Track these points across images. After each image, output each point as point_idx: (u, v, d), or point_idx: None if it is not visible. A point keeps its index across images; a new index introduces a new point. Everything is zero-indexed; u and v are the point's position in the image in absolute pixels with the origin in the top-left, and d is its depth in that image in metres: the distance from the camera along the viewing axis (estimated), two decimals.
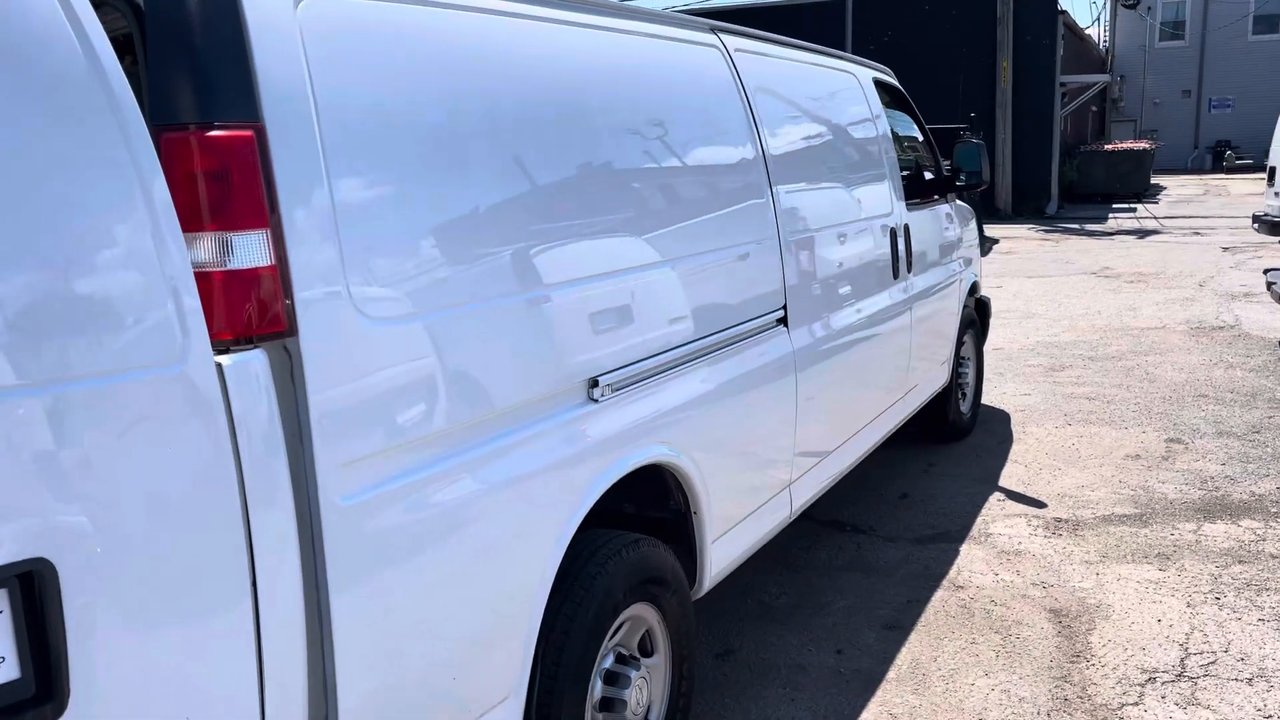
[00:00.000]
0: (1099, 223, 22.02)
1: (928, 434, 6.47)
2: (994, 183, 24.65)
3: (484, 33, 2.50)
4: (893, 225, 5.00)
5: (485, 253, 2.37)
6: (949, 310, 5.99)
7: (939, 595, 4.44)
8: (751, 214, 3.66)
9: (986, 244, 18.81)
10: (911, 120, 5.91)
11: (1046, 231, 21.04)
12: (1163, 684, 3.67)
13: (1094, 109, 37.20)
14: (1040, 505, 5.43)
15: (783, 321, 3.85)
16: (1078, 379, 8.06)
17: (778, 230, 3.80)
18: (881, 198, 4.94)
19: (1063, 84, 25.72)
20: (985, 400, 7.47)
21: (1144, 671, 3.76)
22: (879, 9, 25.06)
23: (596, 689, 2.86)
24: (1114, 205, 25.62)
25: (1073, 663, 3.85)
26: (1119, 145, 29.15)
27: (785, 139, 4.04)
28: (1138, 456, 6.14)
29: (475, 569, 2.34)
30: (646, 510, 3.34)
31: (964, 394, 6.67)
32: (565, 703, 2.63)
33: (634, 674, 2.93)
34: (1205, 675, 3.71)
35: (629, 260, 2.89)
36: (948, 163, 6.20)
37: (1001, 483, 5.79)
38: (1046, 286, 13.20)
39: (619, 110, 2.96)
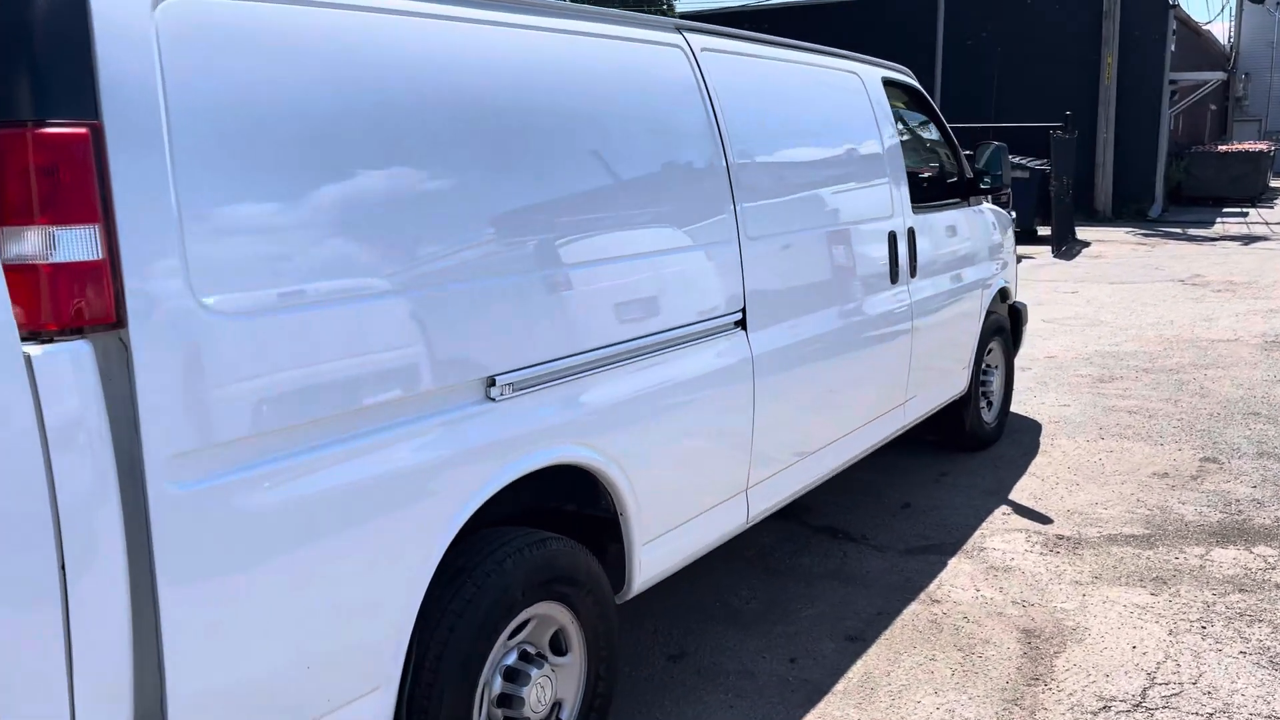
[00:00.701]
0: (1204, 227, 21.12)
1: (947, 442, 6.32)
2: (1092, 184, 23.87)
3: (366, 32, 2.53)
4: (892, 229, 4.89)
5: (353, 249, 2.41)
6: (967, 316, 5.84)
7: (911, 608, 4.34)
8: (705, 215, 3.62)
9: (1075, 247, 18.27)
10: (931, 121, 5.77)
11: (1145, 235, 20.27)
12: (1117, 713, 3.53)
13: (1213, 107, 35.63)
14: (1045, 521, 5.26)
15: (741, 325, 3.80)
16: (1124, 391, 7.77)
17: (738, 232, 3.76)
18: (879, 200, 4.84)
19: (1173, 81, 24.70)
20: (1020, 410, 7.26)
21: (1101, 699, 3.62)
22: (977, 3, 24.45)
23: (495, 685, 2.88)
24: (1224, 210, 24.51)
25: (1029, 685, 3.73)
26: (1233, 146, 27.89)
27: (756, 139, 3.98)
28: (1165, 475, 5.90)
29: (334, 563, 2.38)
30: (589, 509, 3.35)
31: (989, 403, 6.49)
32: (447, 696, 2.66)
33: (535, 672, 2.94)
34: (1165, 707, 3.56)
35: (537, 260, 2.89)
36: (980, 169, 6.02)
37: (1011, 496, 5.63)
38: (1125, 293, 12.73)
39: (536, 108, 2.96)
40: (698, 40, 3.82)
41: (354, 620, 2.44)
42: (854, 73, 4.94)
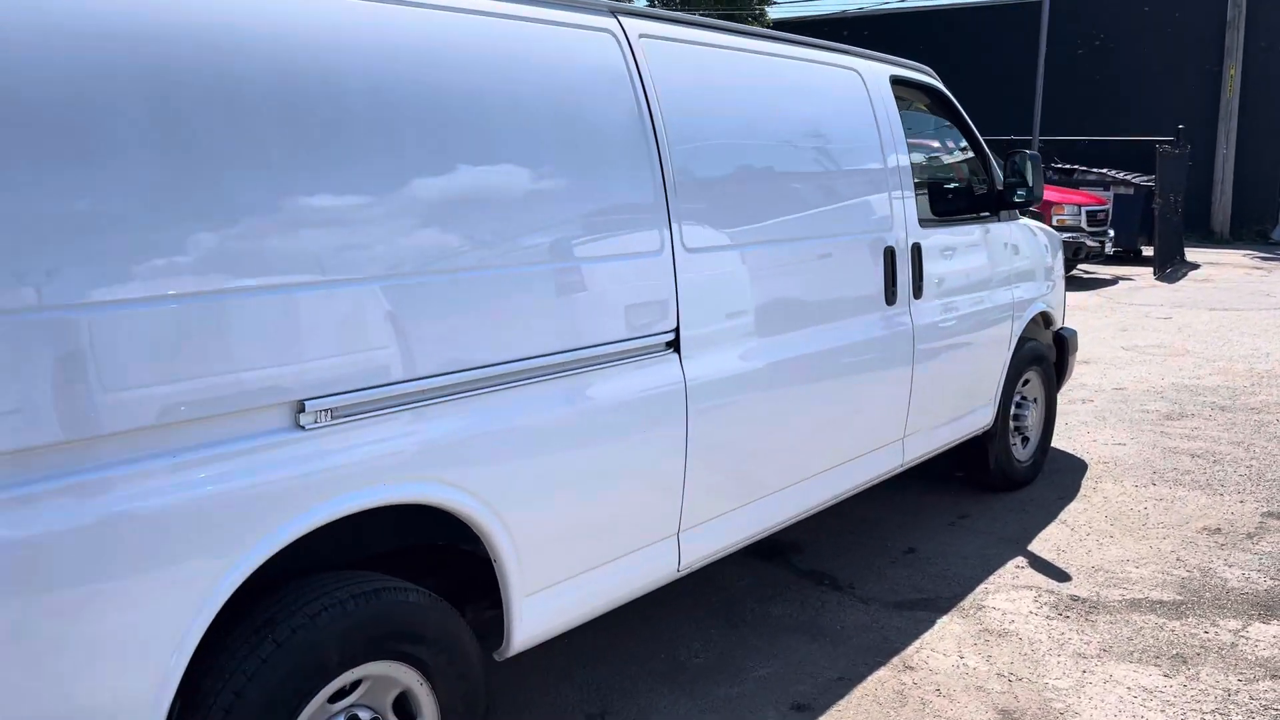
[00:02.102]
0: None
1: (972, 481, 5.74)
2: (1209, 203, 22.52)
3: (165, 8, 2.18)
4: (891, 243, 4.37)
5: (109, 250, 2.05)
6: (993, 343, 5.26)
7: (879, 674, 3.82)
8: (626, 222, 3.19)
9: (1182, 269, 17.15)
10: (956, 127, 5.20)
11: (1262, 259, 18.94)
12: None
13: None
14: (1062, 578, 4.65)
15: (674, 347, 3.36)
16: (1192, 431, 7.01)
17: (671, 243, 3.31)
18: (875, 212, 4.32)
19: None
20: (1068, 447, 6.59)
21: None
22: (1092, 9, 23.32)
23: None
24: None
25: None
26: None
27: (706, 140, 3.53)
28: (1217, 531, 5.21)
29: (72, 607, 2.03)
30: (474, 552, 2.96)
31: (1025, 439, 5.87)
32: None
33: None
34: None
35: (377, 266, 2.50)
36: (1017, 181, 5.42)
37: (1032, 546, 5.02)
38: (1223, 321, 11.76)
39: (385, 87, 2.58)
40: (635, 25, 3.38)
41: (99, 671, 2.08)
42: (852, 69, 4.43)
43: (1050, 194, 15.80)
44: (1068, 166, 18.97)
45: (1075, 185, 17.77)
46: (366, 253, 2.48)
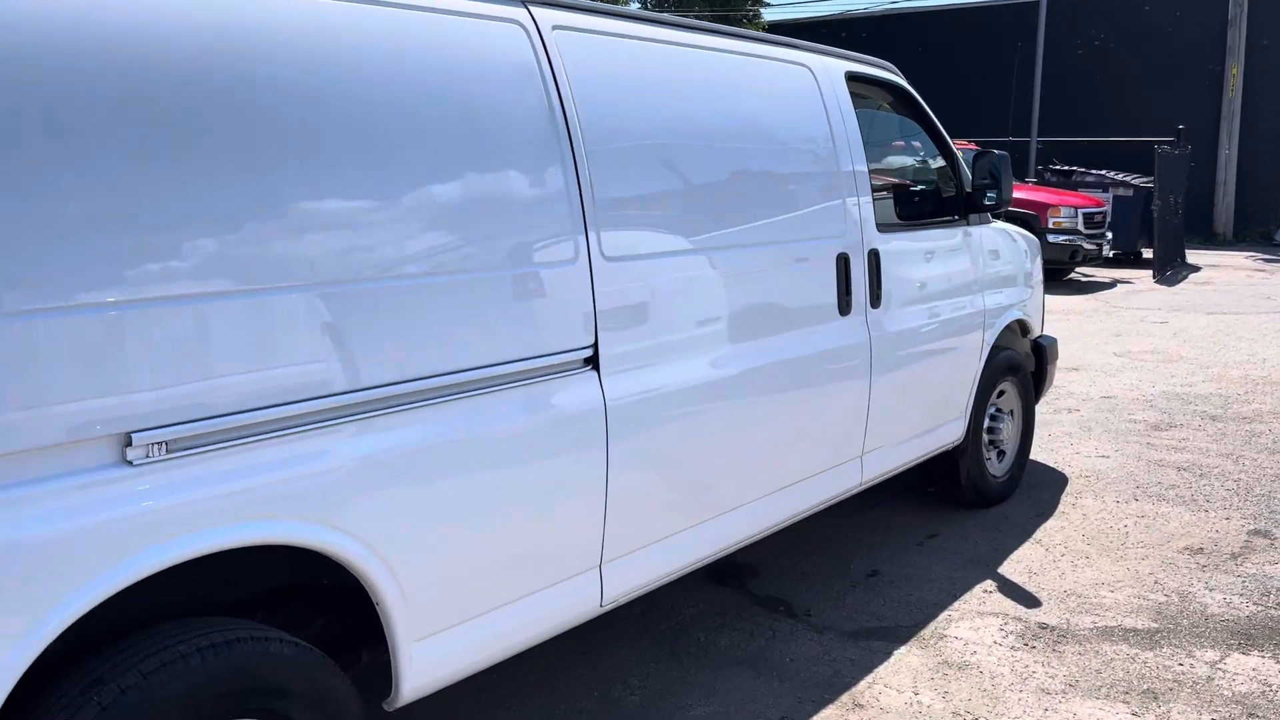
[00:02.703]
0: None
1: (945, 498, 5.47)
2: (1212, 204, 22.20)
3: None
4: (844, 250, 4.10)
5: None
6: (962, 353, 4.99)
7: (824, 714, 3.55)
8: (535, 228, 2.93)
9: (1182, 272, 16.86)
10: (920, 126, 4.93)
11: (1265, 261, 18.63)
12: None
13: None
14: (1032, 603, 4.38)
15: (592, 364, 3.10)
16: (1180, 442, 6.73)
17: (588, 249, 3.05)
18: (826, 216, 4.06)
19: None
20: (1049, 459, 6.32)
21: None
22: (1092, 9, 23.03)
23: None
24: None
25: None
26: None
27: (629, 139, 3.27)
28: (1199, 550, 4.93)
29: None
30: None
31: (1000, 453, 5.60)
32: None
33: None
34: None
35: (215, 281, 2.24)
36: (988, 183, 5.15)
37: (1002, 568, 4.75)
38: (1220, 325, 11.47)
39: (239, 79, 2.32)
40: (548, 15, 3.13)
41: None
42: (802, 65, 4.16)
43: (1046, 196, 15.52)
44: (1066, 168, 18.68)
45: (1074, 187, 17.48)
46: (206, 264, 2.22)
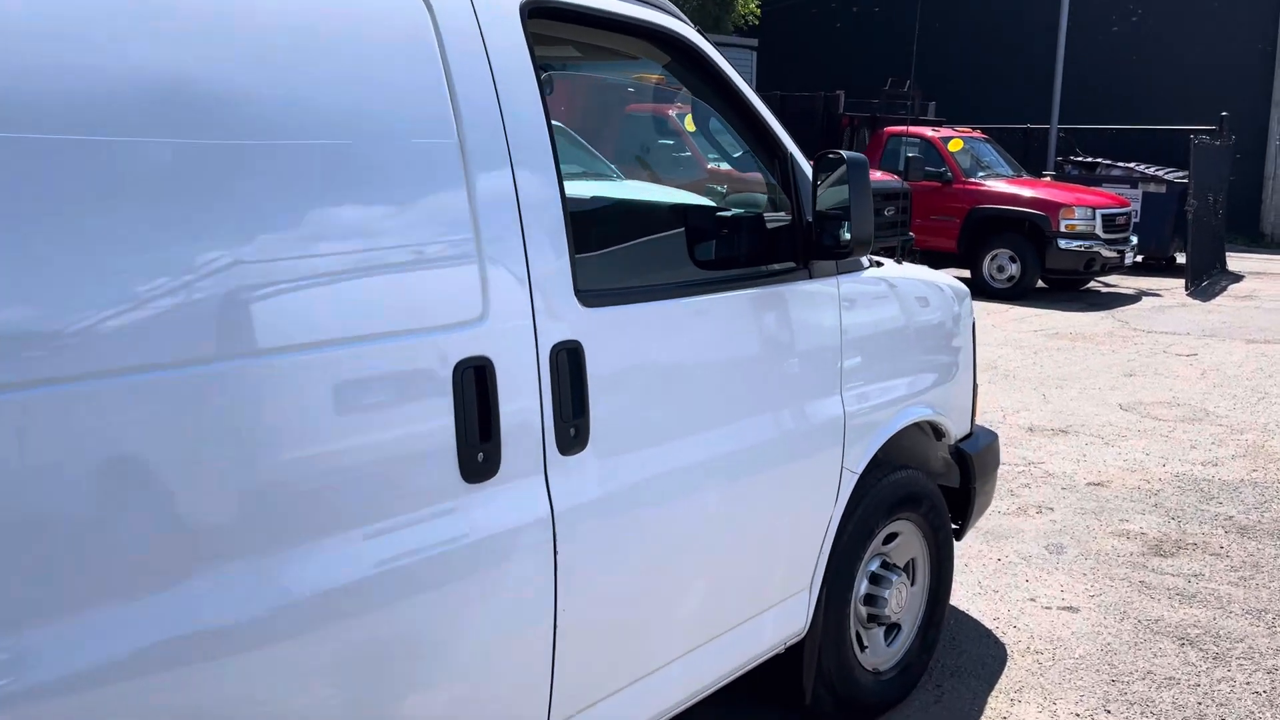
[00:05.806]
0: None
1: (796, 711, 3.41)
2: (1259, 202, 19.85)
3: None
4: (477, 354, 2.06)
5: None
6: (795, 490, 2.92)
7: None
8: None
9: (1220, 281, 14.61)
10: (722, 110, 2.84)
11: None
12: None
13: None
14: None
15: None
16: (1191, 577, 4.60)
17: None
18: (431, 288, 2.03)
19: None
20: (989, 611, 4.22)
21: None
22: None
23: None
24: None
25: None
26: None
27: None
28: None
29: None
30: None
31: (893, 627, 3.53)
32: None
33: None
34: None
35: None
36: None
37: None
38: (1263, 361, 9.25)
39: None
40: None
41: None
42: None
43: (1058, 194, 13.32)
44: (1090, 160, 16.40)
45: (1098, 182, 15.21)
46: None
